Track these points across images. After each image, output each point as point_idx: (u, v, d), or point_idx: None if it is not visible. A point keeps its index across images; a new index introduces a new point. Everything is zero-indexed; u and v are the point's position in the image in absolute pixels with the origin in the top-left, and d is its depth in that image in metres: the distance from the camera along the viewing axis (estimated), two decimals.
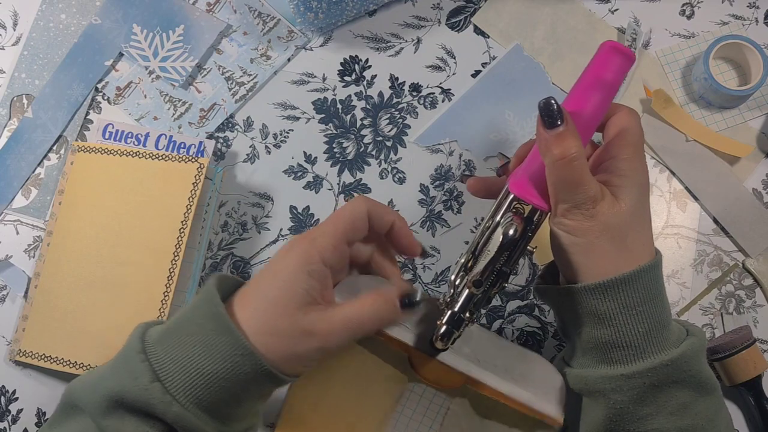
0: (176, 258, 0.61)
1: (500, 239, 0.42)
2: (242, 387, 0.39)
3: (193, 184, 0.62)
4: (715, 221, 0.63)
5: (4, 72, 0.71)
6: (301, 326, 0.39)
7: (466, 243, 0.65)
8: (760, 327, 0.61)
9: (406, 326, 0.48)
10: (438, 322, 0.45)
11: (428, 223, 0.65)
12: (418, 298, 0.43)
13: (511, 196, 0.44)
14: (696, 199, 0.64)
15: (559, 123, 0.39)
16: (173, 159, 0.63)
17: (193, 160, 0.63)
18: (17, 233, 0.68)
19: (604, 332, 0.41)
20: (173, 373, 0.38)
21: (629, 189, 0.41)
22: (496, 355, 0.49)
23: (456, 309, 0.44)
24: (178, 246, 0.61)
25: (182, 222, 0.62)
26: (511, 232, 0.42)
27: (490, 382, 0.47)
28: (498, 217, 0.44)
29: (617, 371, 0.41)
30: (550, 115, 0.39)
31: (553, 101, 0.40)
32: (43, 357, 0.63)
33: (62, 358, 0.62)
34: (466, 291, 0.44)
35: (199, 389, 0.38)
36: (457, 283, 0.45)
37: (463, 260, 0.45)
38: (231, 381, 0.38)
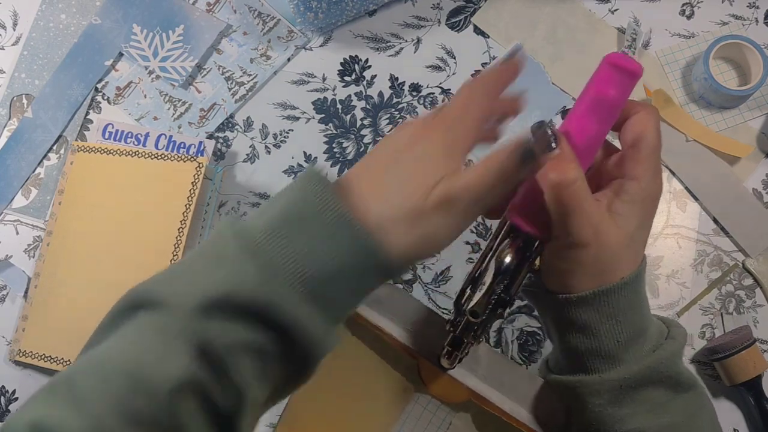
0: (175, 257, 0.61)
1: (493, 270, 0.41)
2: (359, 283, 0.37)
3: (192, 183, 0.62)
4: (715, 221, 0.63)
5: (4, 72, 0.71)
6: (434, 201, 0.37)
7: (467, 243, 0.65)
8: (760, 327, 0.61)
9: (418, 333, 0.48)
10: (444, 343, 0.45)
11: None
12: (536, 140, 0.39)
13: (509, 222, 0.42)
14: (696, 199, 0.64)
15: (553, 146, 0.37)
16: (172, 159, 0.63)
17: (192, 159, 0.63)
18: (17, 233, 0.68)
19: (585, 341, 0.41)
20: (290, 272, 0.34)
21: (632, 217, 0.40)
22: (503, 374, 0.49)
23: (457, 333, 0.44)
24: (177, 245, 0.61)
25: (181, 221, 0.62)
26: (507, 260, 0.41)
27: (495, 399, 0.48)
28: (495, 244, 0.42)
29: (593, 378, 0.41)
30: (543, 138, 0.38)
31: (545, 123, 0.38)
32: (43, 357, 0.63)
33: (62, 358, 0.62)
34: (465, 316, 0.43)
35: (318, 287, 0.35)
36: (458, 304, 0.44)
37: (464, 284, 0.44)
38: (350, 278, 0.35)
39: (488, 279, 0.42)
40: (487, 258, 0.42)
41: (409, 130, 0.40)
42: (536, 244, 0.42)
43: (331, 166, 0.67)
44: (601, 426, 0.41)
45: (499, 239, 0.42)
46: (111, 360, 0.33)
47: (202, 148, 0.65)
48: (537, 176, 0.39)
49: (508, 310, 0.44)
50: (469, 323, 0.43)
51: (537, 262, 0.43)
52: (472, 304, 0.42)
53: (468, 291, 0.43)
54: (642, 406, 0.40)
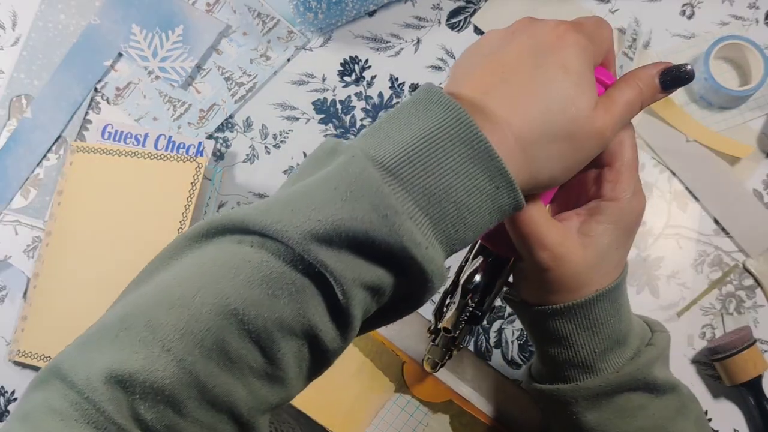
0: None
1: (461, 287, 0.41)
2: (487, 222, 0.32)
3: (191, 183, 0.62)
4: (716, 221, 0.63)
5: (4, 72, 0.71)
6: (592, 129, 0.33)
7: None
8: (760, 327, 0.61)
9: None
10: (425, 350, 0.46)
11: None
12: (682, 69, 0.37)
13: (479, 242, 0.42)
14: (696, 199, 0.64)
15: None
16: (171, 159, 0.63)
17: (191, 159, 0.63)
18: (16, 234, 0.68)
19: (561, 351, 0.41)
20: (429, 210, 0.30)
21: (605, 237, 0.38)
22: (483, 380, 0.51)
23: (435, 343, 0.45)
24: None
25: (181, 222, 0.62)
26: (477, 278, 0.41)
27: (475, 401, 0.49)
28: (465, 262, 0.42)
29: (569, 386, 0.41)
30: None
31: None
32: (42, 357, 0.62)
33: None
34: (440, 330, 0.44)
35: (451, 228, 0.31)
36: (437, 314, 0.45)
37: (441, 296, 0.44)
38: (482, 219, 0.32)
39: (457, 297, 0.41)
40: (459, 276, 0.42)
41: (541, 31, 0.35)
42: (509, 260, 0.42)
43: None
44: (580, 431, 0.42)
45: (471, 258, 0.42)
46: (198, 289, 0.29)
47: (201, 148, 0.65)
48: None
49: (481, 324, 0.44)
50: (445, 337, 0.44)
51: (511, 278, 0.43)
52: (443, 321, 0.43)
53: (445, 303, 0.44)
54: (620, 411, 0.40)
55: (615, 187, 0.39)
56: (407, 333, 0.55)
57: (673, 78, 0.37)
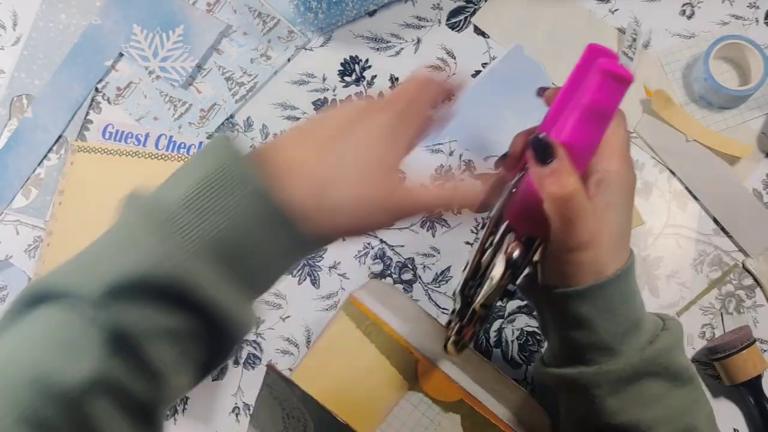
0: None
1: (503, 265, 0.42)
2: (284, 267, 0.36)
3: None
4: (715, 221, 0.63)
5: (4, 72, 0.71)
6: (376, 199, 0.37)
7: (467, 243, 0.65)
8: (760, 327, 0.61)
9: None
10: (448, 332, 0.46)
11: (428, 223, 0.65)
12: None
13: (507, 222, 0.43)
14: (696, 199, 0.64)
15: (551, 158, 0.38)
16: (173, 159, 0.63)
17: None
18: (17, 233, 0.68)
19: (584, 334, 0.41)
20: (207, 249, 0.32)
21: (620, 207, 0.41)
22: (494, 382, 0.51)
23: (464, 322, 0.45)
24: None
25: None
26: (516, 254, 0.42)
27: (486, 402, 0.50)
28: (497, 238, 0.43)
29: (593, 369, 0.41)
30: (541, 150, 0.38)
31: (543, 136, 0.38)
32: None
33: None
34: (473, 307, 0.44)
35: (236, 264, 0.33)
36: (463, 294, 0.45)
37: (466, 274, 0.45)
38: (269, 254, 0.34)
39: (497, 273, 0.42)
40: (488, 253, 0.43)
41: (352, 108, 0.38)
42: (536, 242, 0.42)
43: None
44: (598, 417, 0.42)
45: (500, 235, 0.43)
46: (9, 364, 0.30)
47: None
48: (537, 186, 0.39)
49: (512, 298, 0.45)
50: (476, 314, 0.44)
51: (536, 256, 0.44)
52: (480, 297, 0.43)
53: (470, 283, 0.44)
54: (639, 398, 0.41)
55: (612, 160, 0.41)
56: (421, 331, 0.55)
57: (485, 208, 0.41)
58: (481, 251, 0.44)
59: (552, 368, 0.45)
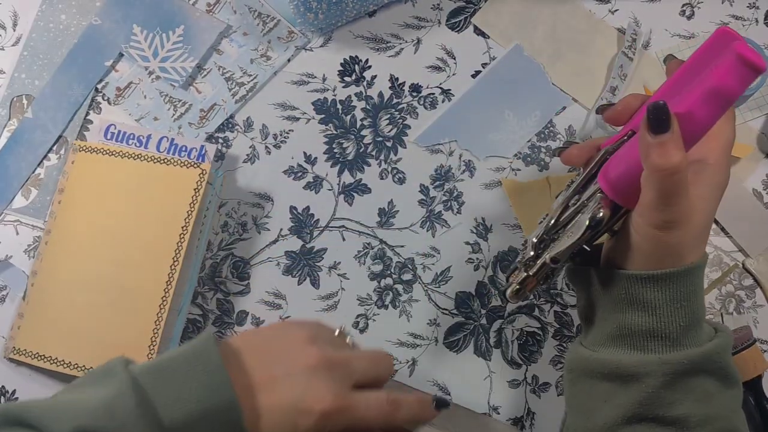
0: (176, 263, 0.61)
1: (586, 223, 0.42)
2: None
3: (194, 190, 0.62)
4: (715, 221, 0.63)
5: (4, 72, 0.71)
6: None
7: (467, 243, 0.65)
8: (760, 327, 0.61)
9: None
10: (512, 279, 0.47)
11: (428, 223, 0.65)
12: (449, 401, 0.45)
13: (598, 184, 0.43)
14: None
15: (665, 130, 0.37)
16: (175, 163, 0.63)
17: (195, 165, 0.63)
18: (17, 233, 0.68)
19: (647, 320, 0.41)
20: (160, 410, 0.37)
21: (713, 201, 0.41)
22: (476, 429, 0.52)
23: (531, 273, 0.46)
24: (177, 251, 0.61)
25: (183, 228, 0.62)
26: (600, 215, 0.42)
27: None
28: (584, 198, 0.44)
29: (653, 357, 0.41)
30: (658, 119, 0.37)
31: (664, 105, 0.37)
32: (36, 356, 0.62)
33: (56, 358, 0.62)
34: (543, 261, 0.45)
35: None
36: (536, 245, 0.46)
37: (544, 226, 0.46)
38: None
39: (577, 231, 0.43)
40: (571, 210, 0.44)
41: (313, 352, 0.41)
42: (622, 211, 0.43)
43: (331, 167, 0.67)
44: (648, 409, 0.41)
45: (588, 196, 0.44)
46: None
47: (203, 152, 0.65)
48: (642, 154, 0.38)
49: (580, 258, 0.46)
50: (545, 266, 0.45)
51: (616, 226, 0.44)
52: (553, 251, 0.44)
53: (544, 236, 0.45)
54: (692, 394, 0.41)
55: (717, 155, 0.41)
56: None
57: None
58: (565, 207, 0.45)
59: (601, 354, 0.43)
